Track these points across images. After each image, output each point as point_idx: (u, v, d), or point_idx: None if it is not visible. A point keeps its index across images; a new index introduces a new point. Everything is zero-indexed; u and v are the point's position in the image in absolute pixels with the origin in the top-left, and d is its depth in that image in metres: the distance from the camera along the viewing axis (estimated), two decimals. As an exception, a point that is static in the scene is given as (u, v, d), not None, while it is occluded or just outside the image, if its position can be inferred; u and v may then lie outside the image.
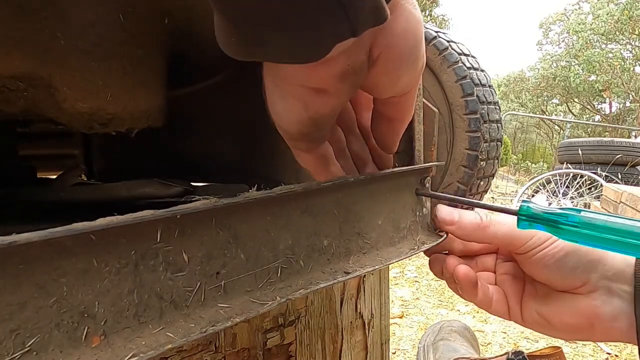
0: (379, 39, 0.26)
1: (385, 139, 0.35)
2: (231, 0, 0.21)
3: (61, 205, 0.56)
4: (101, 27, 0.43)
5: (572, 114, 18.15)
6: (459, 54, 0.88)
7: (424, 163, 0.45)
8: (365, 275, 0.69)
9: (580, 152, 4.38)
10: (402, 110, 0.33)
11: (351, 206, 0.34)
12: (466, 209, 0.42)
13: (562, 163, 4.60)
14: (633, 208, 2.23)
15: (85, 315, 0.21)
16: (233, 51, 0.24)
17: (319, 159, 0.33)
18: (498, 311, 0.43)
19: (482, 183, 0.99)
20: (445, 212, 0.40)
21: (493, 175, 1.01)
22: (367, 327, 0.70)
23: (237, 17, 0.22)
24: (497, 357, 0.91)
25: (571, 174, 3.91)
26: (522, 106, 19.06)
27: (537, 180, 4.28)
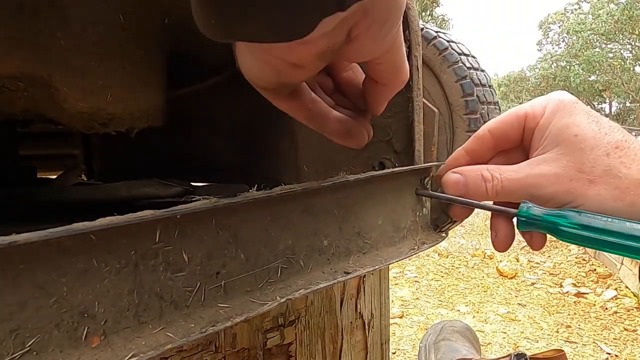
0: (359, 22, 0.25)
1: (370, 101, 0.34)
2: None
3: (61, 205, 0.56)
4: (101, 27, 0.43)
5: (572, 114, 18.08)
6: (459, 54, 0.88)
7: (424, 163, 0.45)
8: (365, 275, 0.69)
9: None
10: (384, 74, 0.31)
11: (351, 206, 0.34)
12: (466, 209, 0.41)
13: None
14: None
15: (85, 315, 0.21)
16: (212, 32, 0.23)
17: (292, 102, 0.32)
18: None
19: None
20: (452, 186, 0.38)
21: (493, 175, 1.00)
22: (367, 327, 0.70)
23: None
24: (499, 358, 0.91)
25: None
26: (522, 106, 19.01)
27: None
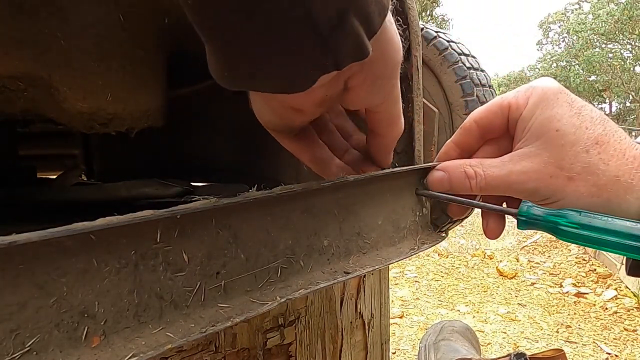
0: (355, 75, 0.28)
1: (372, 152, 0.37)
2: (222, 39, 0.23)
3: (61, 205, 0.56)
4: (101, 27, 0.43)
5: (572, 114, 18.09)
6: (459, 54, 0.88)
7: (424, 163, 0.45)
8: (365, 275, 0.69)
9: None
10: (379, 124, 0.34)
11: (351, 206, 0.34)
12: (466, 209, 0.42)
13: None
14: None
15: (85, 315, 0.21)
16: (225, 83, 0.26)
17: (297, 143, 0.35)
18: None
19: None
20: (436, 184, 0.39)
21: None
22: (367, 327, 0.70)
23: (228, 54, 0.24)
24: (499, 358, 0.91)
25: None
26: (522, 106, 19.02)
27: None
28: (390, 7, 0.27)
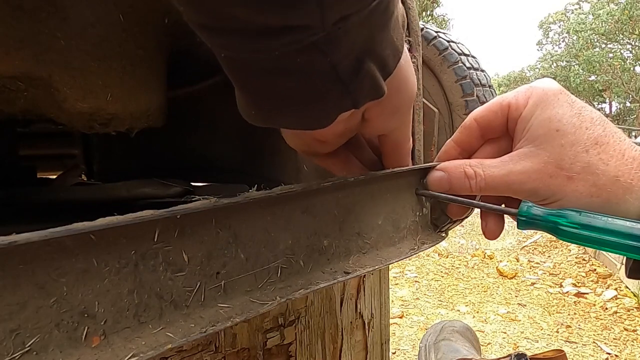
0: (372, 109, 0.31)
1: (385, 165, 0.39)
2: (250, 82, 0.26)
3: (61, 205, 0.56)
4: (101, 27, 0.43)
5: (572, 114, 18.10)
6: (459, 54, 0.88)
7: (424, 163, 0.45)
8: (365, 275, 0.69)
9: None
10: (392, 147, 0.37)
11: (351, 206, 0.34)
12: (465, 209, 0.41)
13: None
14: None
15: (85, 315, 0.21)
16: (252, 120, 0.29)
17: (329, 161, 0.37)
18: None
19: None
20: (436, 184, 0.40)
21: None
22: (367, 327, 0.70)
23: (256, 96, 0.27)
24: (499, 359, 0.91)
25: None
26: (522, 106, 19.04)
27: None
28: (406, 46, 0.30)
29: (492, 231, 0.40)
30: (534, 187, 0.35)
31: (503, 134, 0.40)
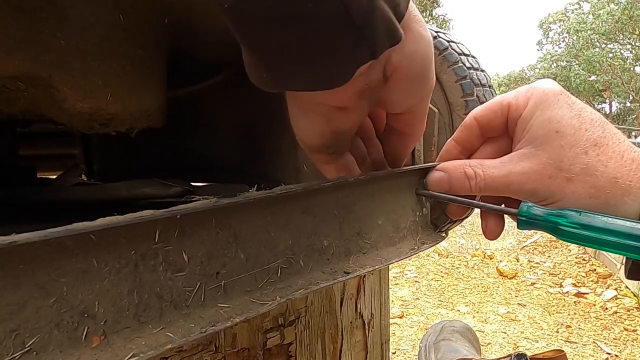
0: (392, 58, 0.28)
1: (395, 151, 0.38)
2: (261, 47, 0.24)
3: (61, 205, 0.56)
4: (101, 27, 0.43)
5: (573, 114, 18.10)
6: (459, 54, 0.88)
7: (424, 163, 0.45)
8: (365, 275, 0.69)
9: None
10: (412, 125, 0.35)
11: (351, 206, 0.34)
12: (465, 209, 0.42)
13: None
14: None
15: (85, 315, 0.21)
16: (264, 85, 0.26)
17: (341, 168, 0.36)
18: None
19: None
20: (436, 184, 0.39)
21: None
22: (367, 327, 0.70)
23: (265, 54, 0.24)
24: (499, 359, 0.91)
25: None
26: (522, 106, 19.04)
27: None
28: None
29: (492, 231, 0.40)
30: (533, 188, 0.35)
31: (503, 133, 0.40)
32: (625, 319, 2.17)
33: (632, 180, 0.33)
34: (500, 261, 3.11)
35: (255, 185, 0.30)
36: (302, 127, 0.32)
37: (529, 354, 0.89)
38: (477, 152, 0.42)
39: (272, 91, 0.27)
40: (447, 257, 3.20)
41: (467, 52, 0.91)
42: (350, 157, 0.37)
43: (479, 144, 0.41)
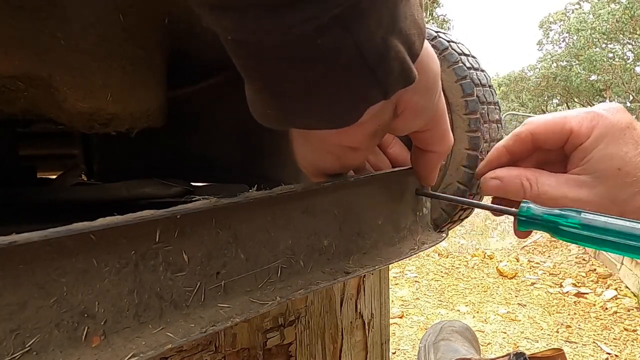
0: (403, 97, 0.28)
1: (420, 170, 0.37)
2: (266, 82, 0.23)
3: (61, 205, 0.56)
4: (101, 27, 0.43)
5: (573, 113, 18.09)
6: (459, 54, 0.88)
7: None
8: (365, 275, 0.69)
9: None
10: (431, 141, 0.34)
11: (351, 206, 0.34)
12: (465, 209, 0.42)
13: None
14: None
15: (85, 315, 0.21)
16: (269, 121, 0.25)
17: None
18: None
19: (482, 183, 0.99)
20: (491, 191, 0.40)
21: (493, 175, 1.00)
22: (367, 327, 0.70)
23: (270, 89, 0.23)
24: (498, 358, 0.91)
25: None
26: (522, 106, 19.07)
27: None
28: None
29: (523, 231, 0.39)
30: None
31: (557, 150, 0.40)
32: (625, 319, 2.17)
33: None
34: (500, 261, 3.11)
35: (255, 185, 0.30)
36: (310, 161, 0.32)
37: (528, 353, 0.89)
38: (525, 161, 0.42)
39: (275, 128, 0.26)
40: (447, 257, 3.20)
41: (467, 52, 0.91)
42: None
43: (527, 155, 0.42)
